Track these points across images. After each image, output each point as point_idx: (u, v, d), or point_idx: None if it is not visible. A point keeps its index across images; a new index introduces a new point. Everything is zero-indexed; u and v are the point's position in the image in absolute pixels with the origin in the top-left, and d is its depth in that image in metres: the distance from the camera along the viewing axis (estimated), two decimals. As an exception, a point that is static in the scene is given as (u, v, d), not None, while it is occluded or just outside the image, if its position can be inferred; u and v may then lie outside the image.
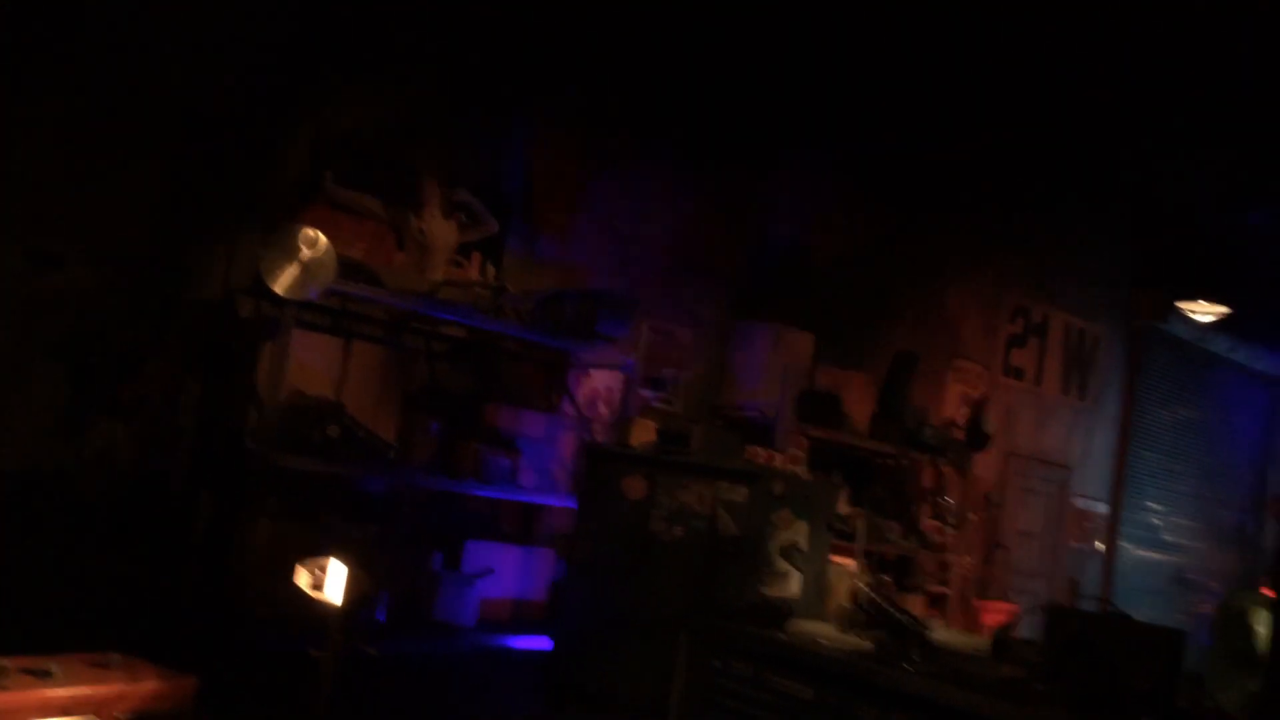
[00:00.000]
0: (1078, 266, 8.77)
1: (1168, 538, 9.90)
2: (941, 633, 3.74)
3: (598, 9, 5.35)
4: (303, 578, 3.32)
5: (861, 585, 3.82)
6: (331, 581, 3.34)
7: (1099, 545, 9.17)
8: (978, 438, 7.02)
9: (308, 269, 4.05)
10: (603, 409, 5.64)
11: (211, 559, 4.20)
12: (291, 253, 4.04)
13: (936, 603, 6.80)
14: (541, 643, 4.58)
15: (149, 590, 4.08)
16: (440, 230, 4.83)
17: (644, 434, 4.64)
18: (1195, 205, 8.06)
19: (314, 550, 3.48)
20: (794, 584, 3.98)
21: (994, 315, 8.16)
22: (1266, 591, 3.31)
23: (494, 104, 5.25)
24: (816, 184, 6.71)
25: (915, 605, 6.06)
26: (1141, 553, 9.61)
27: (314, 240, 4.06)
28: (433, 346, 5.11)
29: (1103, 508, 9.26)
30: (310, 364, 4.57)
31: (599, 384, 5.67)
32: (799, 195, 6.63)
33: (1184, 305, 8.65)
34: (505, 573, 4.99)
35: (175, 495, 4.29)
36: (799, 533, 4.02)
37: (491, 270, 5.10)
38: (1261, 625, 3.17)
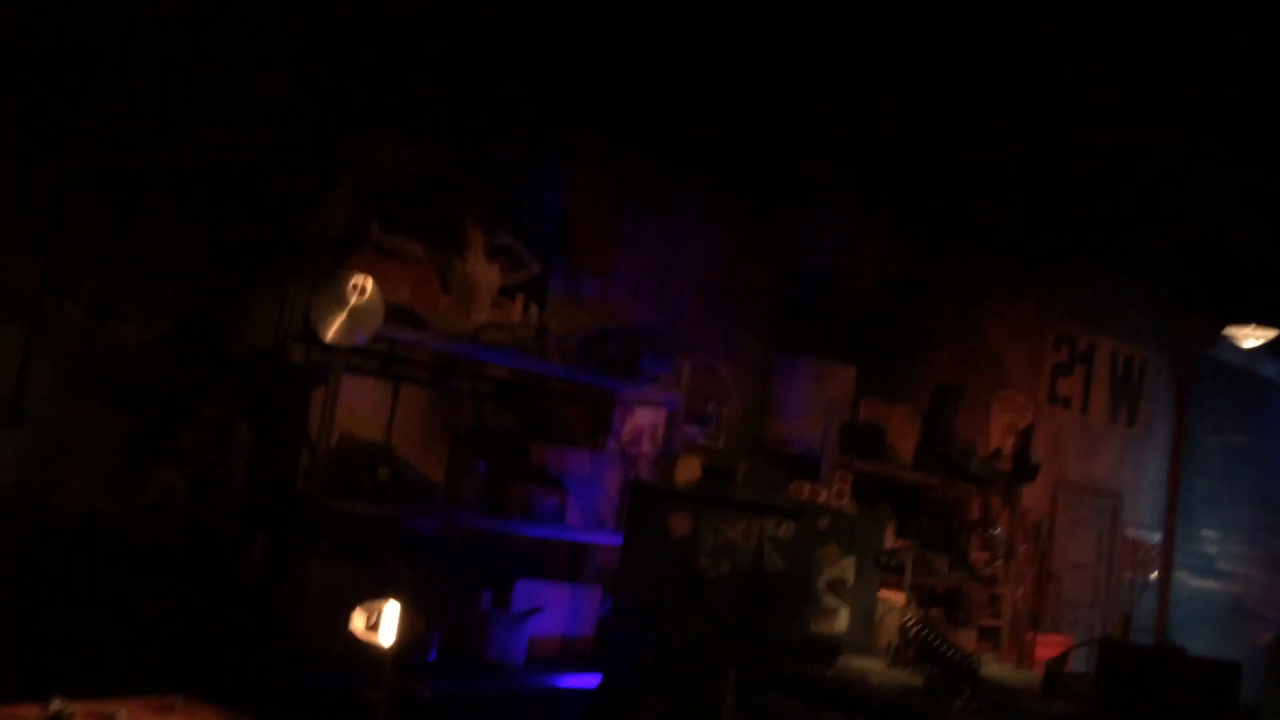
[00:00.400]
0: (1122, 293, 8.71)
1: (1223, 566, 9.71)
2: (992, 667, 3.71)
3: (632, 51, 5.45)
4: (359, 620, 3.37)
5: (910, 620, 3.80)
6: (385, 623, 3.38)
7: (1153, 575, 9.02)
8: (1025, 468, 6.95)
9: (356, 315, 4.13)
10: (647, 446, 5.68)
11: (266, 601, 4.27)
12: (340, 300, 4.13)
13: (988, 636, 6.72)
14: (590, 680, 4.59)
15: (205, 632, 4.16)
16: (484, 273, 4.90)
17: (688, 470, 4.66)
18: (1239, 228, 7.99)
19: (366, 591, 3.52)
20: (842, 620, 3.97)
21: (1037, 344, 8.11)
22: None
23: (532, 147, 5.35)
24: (852, 215, 6.73)
25: (966, 639, 5.99)
26: (1197, 582, 9.43)
27: (361, 287, 4.15)
28: (479, 388, 5.18)
29: (1156, 537, 9.12)
30: (359, 408, 4.66)
31: (643, 421, 5.70)
32: (834, 227, 6.66)
33: (1232, 330, 8.55)
34: (554, 611, 5.01)
35: (230, 538, 4.38)
36: (846, 568, 4.01)
37: (535, 311, 5.16)
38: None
